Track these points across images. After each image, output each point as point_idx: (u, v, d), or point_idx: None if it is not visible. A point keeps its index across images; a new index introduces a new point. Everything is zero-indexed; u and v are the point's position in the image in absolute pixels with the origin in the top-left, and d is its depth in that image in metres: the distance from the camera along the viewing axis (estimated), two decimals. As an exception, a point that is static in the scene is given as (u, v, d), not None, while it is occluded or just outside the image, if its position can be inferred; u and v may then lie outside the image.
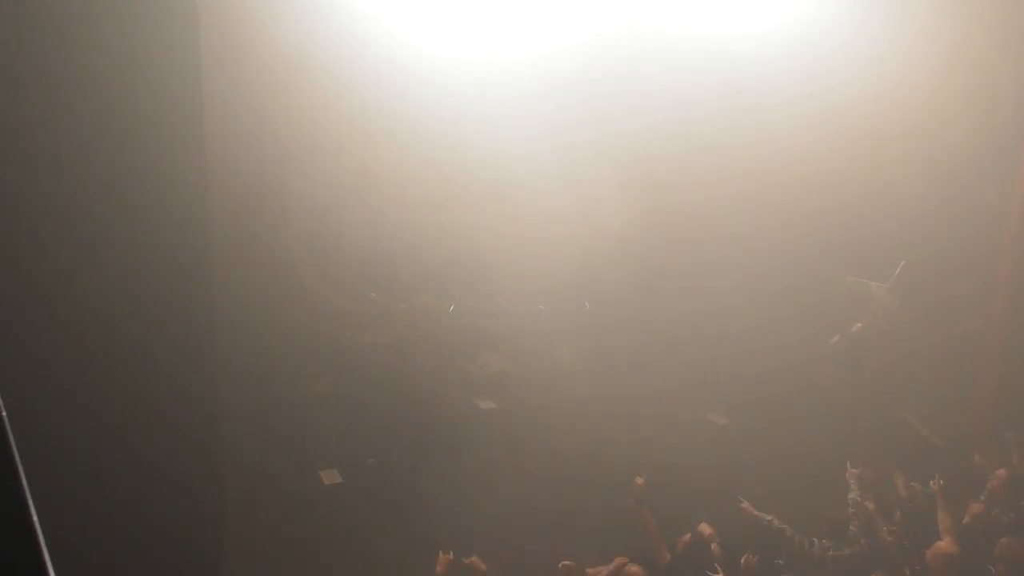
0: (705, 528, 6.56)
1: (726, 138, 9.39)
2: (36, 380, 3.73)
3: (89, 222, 3.95)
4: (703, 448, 8.72)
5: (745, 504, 6.88)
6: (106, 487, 4.01)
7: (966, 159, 8.97)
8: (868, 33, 9.07)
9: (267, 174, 8.40)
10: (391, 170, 9.22)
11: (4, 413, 1.40)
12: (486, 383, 9.73)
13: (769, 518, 6.74)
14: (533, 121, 9.33)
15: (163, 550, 4.27)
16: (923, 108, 8.86)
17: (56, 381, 3.89)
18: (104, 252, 4.01)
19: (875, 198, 9.56)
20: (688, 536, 6.58)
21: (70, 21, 3.80)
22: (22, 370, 3.63)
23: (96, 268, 3.99)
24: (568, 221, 9.64)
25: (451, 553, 6.33)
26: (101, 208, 3.96)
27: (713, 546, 6.50)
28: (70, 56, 3.81)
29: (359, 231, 9.43)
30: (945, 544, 6.23)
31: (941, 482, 6.93)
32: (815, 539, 6.58)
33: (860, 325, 9.59)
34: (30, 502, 1.31)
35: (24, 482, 1.33)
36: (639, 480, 6.99)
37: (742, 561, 6.31)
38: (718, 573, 6.12)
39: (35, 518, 1.30)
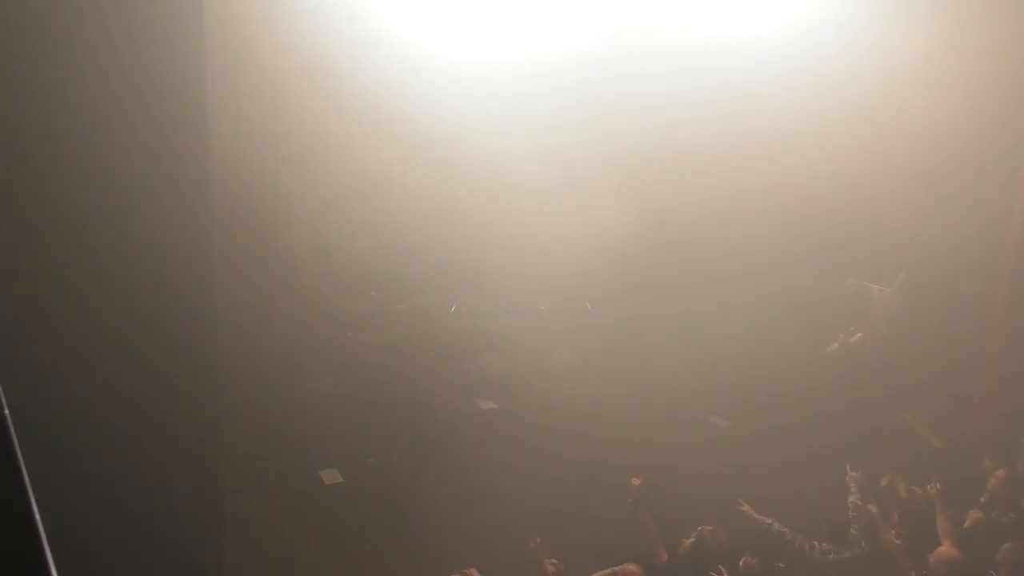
0: (708, 531, 6.55)
1: (728, 141, 9.39)
2: (38, 379, 3.73)
3: (92, 220, 3.95)
4: (704, 450, 8.72)
5: (746, 507, 6.88)
6: (107, 486, 4.01)
7: (968, 162, 8.97)
8: (870, 36, 9.07)
9: (269, 173, 8.40)
10: (393, 170, 9.21)
11: (7, 411, 1.40)
12: (486, 383, 9.74)
13: (769, 521, 6.74)
14: (536, 123, 9.34)
15: (164, 549, 4.27)
16: (924, 111, 8.86)
17: (58, 380, 3.89)
18: (106, 251, 4.01)
19: (877, 201, 9.56)
20: (690, 540, 6.56)
21: (75, 20, 3.80)
22: (24, 369, 3.63)
23: (98, 266, 3.99)
24: (569, 223, 9.63)
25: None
26: (104, 207, 3.96)
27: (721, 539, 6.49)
28: (76, 56, 3.81)
29: (361, 231, 9.43)
30: (947, 548, 6.22)
31: (938, 486, 6.92)
32: (816, 542, 6.57)
33: (861, 335, 9.59)
34: (32, 501, 1.31)
35: (26, 480, 1.32)
36: (635, 481, 6.99)
37: (741, 563, 6.31)
38: (721, 575, 6.13)
39: (37, 517, 1.30)
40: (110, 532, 4.01)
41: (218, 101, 4.86)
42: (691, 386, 9.43)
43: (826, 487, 7.60)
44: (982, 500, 7.30)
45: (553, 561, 6.27)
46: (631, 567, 6.18)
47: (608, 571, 6.31)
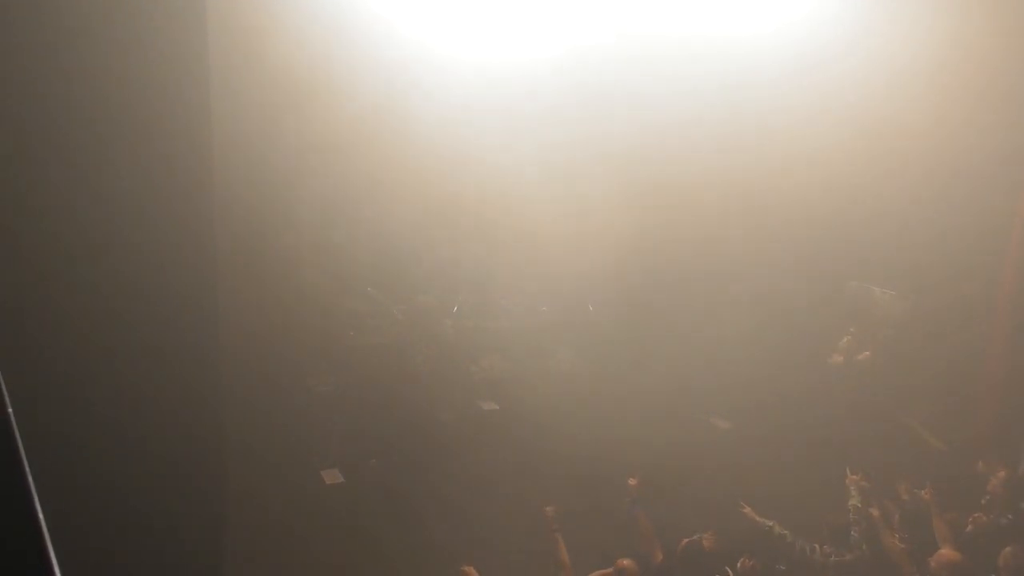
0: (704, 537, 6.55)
1: (730, 142, 9.40)
2: (41, 380, 3.73)
3: (95, 220, 3.95)
4: (705, 451, 8.72)
5: (747, 510, 6.88)
6: (109, 486, 4.01)
7: (972, 163, 8.95)
8: (871, 37, 9.06)
9: (272, 173, 8.41)
10: (396, 171, 9.23)
11: (10, 410, 1.40)
12: (488, 384, 9.74)
13: (770, 524, 6.74)
14: (539, 124, 9.35)
15: (165, 549, 4.27)
16: (926, 112, 8.85)
17: (61, 380, 3.90)
18: (110, 250, 4.01)
19: (879, 203, 9.55)
20: (686, 540, 6.57)
21: (82, 23, 3.81)
22: (27, 369, 3.64)
23: (101, 265, 3.99)
24: (572, 224, 9.64)
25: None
26: (108, 206, 3.97)
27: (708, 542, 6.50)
28: (83, 58, 3.82)
29: (363, 231, 9.45)
30: (948, 551, 6.21)
31: (931, 491, 6.89)
32: (816, 545, 6.57)
33: (869, 353, 9.57)
34: (36, 500, 1.31)
35: (30, 480, 1.33)
36: (632, 481, 7.00)
37: (739, 564, 6.30)
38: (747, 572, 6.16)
39: (40, 516, 1.30)
40: (112, 531, 4.02)
41: (221, 101, 4.87)
42: (692, 387, 9.43)
43: (827, 489, 7.59)
44: (983, 502, 7.29)
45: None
46: (627, 562, 6.22)
47: (608, 571, 6.33)
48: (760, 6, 9.37)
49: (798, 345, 9.81)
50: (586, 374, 9.81)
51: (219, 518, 4.69)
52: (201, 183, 4.30)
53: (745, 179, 9.60)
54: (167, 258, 4.20)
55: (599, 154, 9.69)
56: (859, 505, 6.88)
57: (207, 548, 4.60)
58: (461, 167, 9.43)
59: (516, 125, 9.32)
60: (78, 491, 3.71)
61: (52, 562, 1.25)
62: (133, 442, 4.10)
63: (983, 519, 6.94)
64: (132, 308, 4.11)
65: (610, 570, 6.30)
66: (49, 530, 1.29)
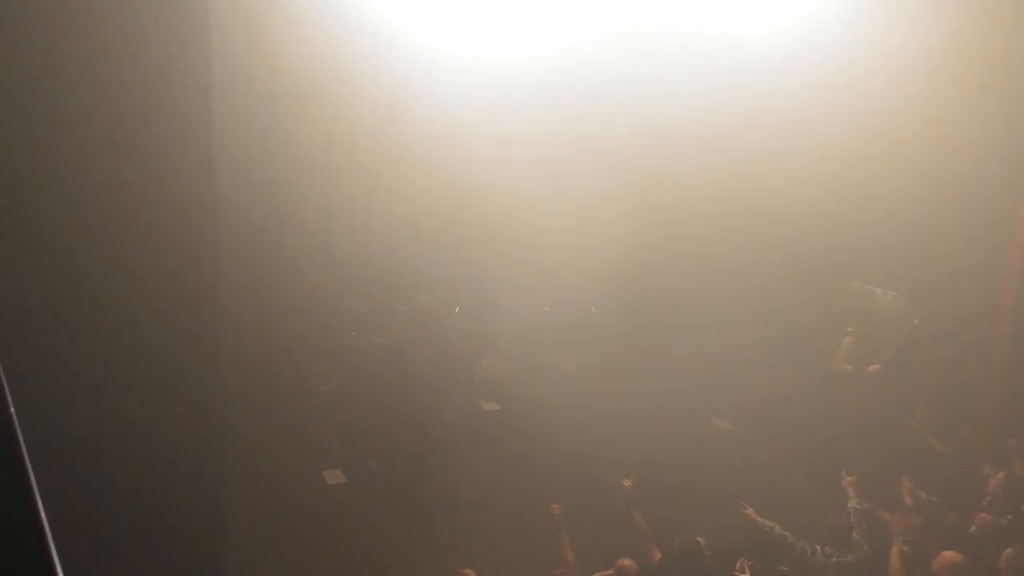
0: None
1: (733, 142, 9.38)
2: (44, 380, 3.74)
3: (97, 220, 3.96)
4: (706, 452, 8.72)
5: (749, 511, 6.87)
6: (112, 486, 4.02)
7: (974, 161, 8.93)
8: (873, 37, 9.05)
9: (276, 173, 8.41)
10: (399, 171, 9.23)
11: (12, 410, 1.40)
12: (490, 385, 9.73)
13: (771, 525, 6.73)
14: (542, 124, 9.34)
15: (167, 549, 4.27)
16: (931, 110, 8.84)
17: (63, 380, 3.90)
18: (113, 249, 4.02)
19: (880, 203, 9.54)
20: (678, 540, 6.57)
21: (84, 20, 3.81)
22: (29, 368, 3.64)
23: (104, 264, 4.00)
24: (574, 224, 9.63)
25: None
26: (109, 206, 3.97)
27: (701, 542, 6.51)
28: (88, 58, 3.83)
29: (365, 232, 9.45)
30: (950, 553, 6.20)
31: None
32: (818, 546, 6.57)
33: (879, 367, 9.54)
34: (38, 500, 1.31)
35: (32, 480, 1.33)
36: (627, 482, 7.01)
37: (737, 565, 6.31)
38: (744, 573, 6.15)
39: (43, 516, 1.30)
40: (114, 531, 4.02)
41: (224, 101, 4.87)
42: (693, 387, 9.42)
43: (828, 490, 7.59)
44: (984, 503, 7.29)
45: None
46: (628, 562, 6.24)
47: (608, 573, 6.35)
48: (759, 6, 9.36)
49: (799, 346, 9.80)
50: (588, 374, 9.80)
51: (221, 518, 4.70)
52: (203, 183, 4.30)
53: (746, 179, 9.59)
54: (169, 258, 4.20)
55: (601, 155, 9.69)
56: (858, 507, 6.88)
57: (209, 548, 4.60)
58: (464, 167, 9.43)
59: (518, 125, 9.32)
60: (80, 491, 3.72)
61: (54, 563, 1.25)
62: (135, 442, 4.11)
63: (986, 519, 6.93)
64: (134, 308, 4.11)
65: (611, 571, 6.32)
66: (51, 530, 1.29)
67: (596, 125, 9.54)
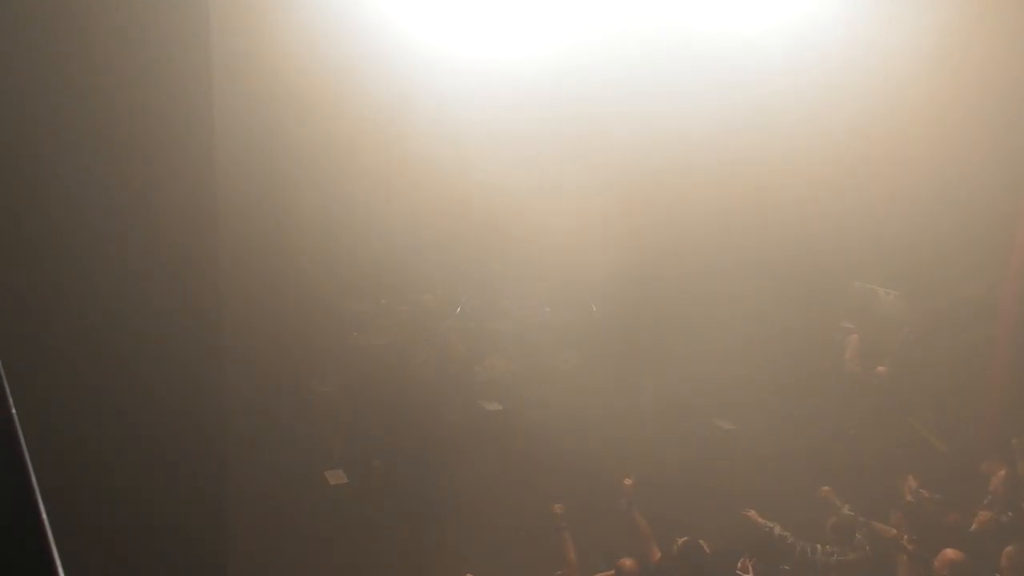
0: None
1: (734, 142, 9.38)
2: (43, 379, 3.73)
3: (98, 220, 3.96)
4: (708, 452, 8.71)
5: (751, 513, 6.87)
6: (112, 487, 4.02)
7: (975, 161, 8.93)
8: (874, 36, 9.05)
9: (277, 173, 8.41)
10: (400, 171, 9.24)
11: (13, 411, 1.40)
12: (491, 385, 9.74)
13: (771, 525, 6.73)
14: (543, 124, 9.35)
15: (168, 549, 4.27)
16: (931, 109, 8.84)
17: (64, 380, 3.90)
18: (113, 249, 4.01)
19: (882, 203, 9.54)
20: (683, 539, 6.57)
21: (85, 20, 3.81)
22: (29, 368, 3.64)
23: (105, 265, 4.00)
24: (575, 224, 9.63)
25: None
26: (110, 207, 3.97)
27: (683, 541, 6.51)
28: (89, 58, 3.83)
29: (367, 232, 9.45)
30: (951, 551, 6.20)
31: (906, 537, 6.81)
32: (818, 546, 6.57)
33: (884, 368, 9.53)
34: (39, 501, 1.31)
35: (33, 482, 1.33)
36: (627, 481, 7.01)
37: (739, 565, 6.30)
38: (748, 574, 6.15)
39: (44, 516, 1.30)
40: (115, 532, 4.02)
41: (225, 101, 4.87)
42: (695, 388, 9.41)
43: (830, 489, 7.59)
44: (985, 502, 7.29)
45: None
46: (628, 562, 6.24)
47: (608, 572, 6.36)
48: (758, 6, 9.36)
49: (801, 345, 9.80)
50: (589, 374, 9.80)
51: (223, 519, 4.69)
52: (204, 183, 4.30)
53: (747, 179, 9.59)
54: (170, 258, 4.20)
55: (602, 154, 9.69)
56: (851, 513, 6.86)
57: (211, 549, 4.59)
58: (465, 167, 9.43)
59: (519, 125, 9.32)
60: (81, 492, 3.72)
61: (55, 563, 1.25)
62: (136, 442, 4.10)
63: (986, 518, 6.93)
64: (136, 309, 4.11)
65: (611, 572, 6.32)
66: (52, 531, 1.28)
67: (597, 125, 9.55)
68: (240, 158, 7.10)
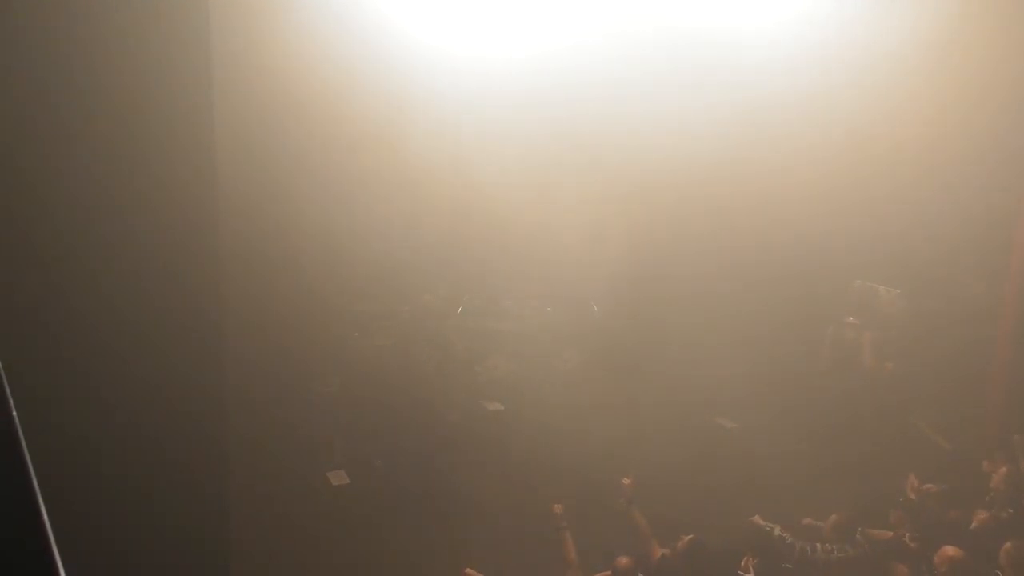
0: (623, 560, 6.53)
1: (734, 142, 9.38)
2: (44, 380, 3.73)
3: (98, 220, 3.95)
4: (711, 451, 8.71)
5: (756, 517, 6.87)
6: (114, 488, 4.01)
7: (975, 160, 8.93)
8: (874, 35, 9.05)
9: (277, 174, 8.42)
10: (401, 171, 9.24)
11: (14, 413, 1.40)
12: (493, 385, 9.74)
13: (771, 527, 6.74)
14: (544, 124, 9.35)
15: (170, 550, 4.27)
16: (930, 109, 8.84)
17: (65, 381, 3.89)
18: (114, 249, 4.01)
19: (883, 201, 9.54)
20: (689, 537, 6.57)
21: (85, 20, 3.81)
22: (30, 369, 3.64)
23: (106, 265, 3.99)
24: (576, 224, 9.63)
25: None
26: (110, 207, 3.97)
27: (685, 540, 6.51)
28: (84, 56, 3.83)
29: (368, 232, 9.45)
30: (950, 548, 6.20)
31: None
32: (818, 544, 6.58)
33: (890, 365, 9.52)
34: (40, 503, 1.30)
35: (35, 484, 1.32)
36: (627, 480, 7.01)
37: (742, 563, 6.31)
38: (749, 573, 6.15)
39: (45, 517, 1.30)
40: (116, 533, 4.02)
41: (225, 101, 4.87)
42: (698, 387, 9.41)
43: (832, 488, 7.59)
44: (987, 499, 7.29)
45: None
46: (624, 561, 6.25)
47: (607, 573, 6.37)
48: (758, 5, 9.36)
49: (803, 344, 9.79)
50: (591, 375, 9.80)
51: (225, 520, 4.69)
52: (205, 184, 4.29)
53: (751, 182, 9.59)
54: (171, 259, 4.19)
55: (603, 154, 9.69)
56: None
57: (212, 550, 4.59)
58: (466, 167, 9.44)
59: (520, 125, 9.32)
60: (83, 493, 3.71)
61: (57, 564, 1.25)
62: (138, 443, 4.10)
63: (986, 514, 6.93)
64: (137, 309, 4.11)
65: (609, 572, 6.33)
66: (53, 532, 1.28)
67: (598, 125, 9.55)
68: (240, 158, 7.11)
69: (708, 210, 9.78)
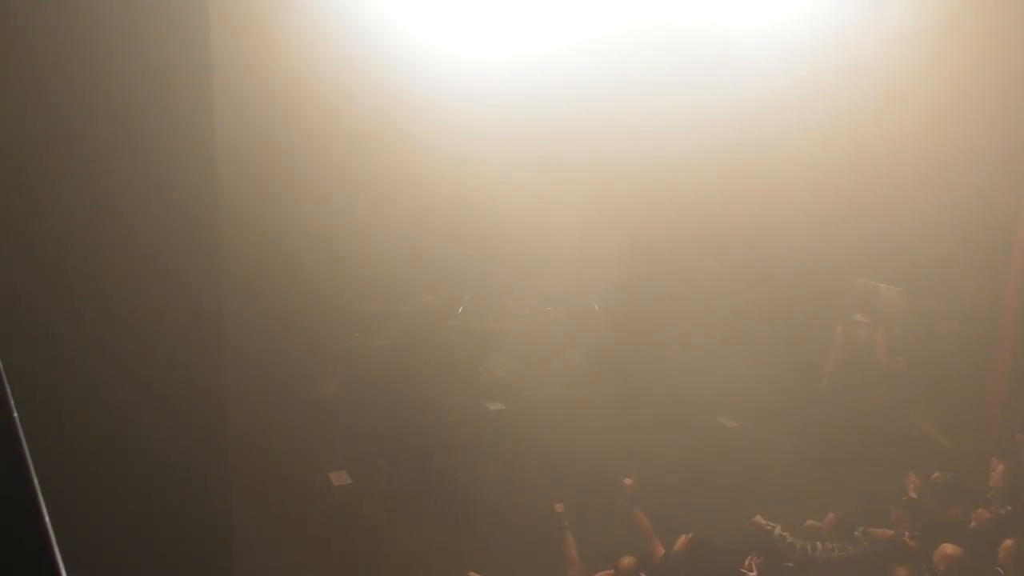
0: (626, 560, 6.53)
1: (735, 140, 9.38)
2: (45, 381, 3.73)
3: (99, 221, 3.95)
4: (712, 451, 8.70)
5: (757, 518, 6.87)
6: (115, 488, 4.01)
7: (976, 159, 8.93)
8: (874, 34, 9.04)
9: (278, 174, 8.42)
10: (402, 171, 9.23)
11: (15, 414, 1.39)
12: (494, 385, 9.74)
13: (772, 526, 6.74)
14: (544, 124, 9.34)
15: (171, 550, 4.26)
16: (932, 108, 8.83)
17: (65, 382, 3.89)
18: (115, 250, 4.01)
19: (885, 199, 9.53)
20: (684, 537, 6.57)
21: (85, 20, 3.81)
22: (31, 370, 3.63)
23: (106, 266, 3.99)
24: (577, 223, 9.63)
25: None
26: (111, 208, 3.96)
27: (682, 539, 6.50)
28: (84, 55, 3.83)
29: (369, 232, 9.44)
30: (949, 546, 6.20)
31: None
32: (818, 543, 6.59)
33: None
34: (42, 505, 1.30)
35: (36, 486, 1.32)
36: (628, 481, 7.01)
37: (746, 561, 6.31)
38: (752, 572, 6.15)
39: (46, 518, 1.29)
40: (118, 534, 4.01)
41: (225, 101, 4.87)
42: (699, 386, 9.40)
43: (833, 486, 7.59)
44: (988, 496, 7.30)
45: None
46: (627, 561, 6.25)
47: (609, 572, 6.36)
48: (759, 5, 9.36)
49: (805, 343, 9.79)
50: (592, 373, 9.80)
51: (226, 520, 4.69)
52: (206, 184, 4.29)
53: (753, 180, 9.58)
54: (172, 259, 4.19)
55: (604, 153, 9.68)
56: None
57: (214, 550, 4.59)
58: (467, 167, 9.44)
59: (520, 125, 9.32)
60: (84, 494, 3.71)
61: (58, 565, 1.25)
62: (138, 444, 4.10)
63: (985, 515, 6.93)
64: (137, 310, 4.10)
65: (611, 571, 6.33)
66: (55, 533, 1.28)
67: (598, 124, 9.54)
68: (241, 158, 7.11)
69: (708, 210, 9.78)
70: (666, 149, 9.33)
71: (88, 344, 3.99)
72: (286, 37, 8.07)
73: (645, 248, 9.87)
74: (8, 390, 1.42)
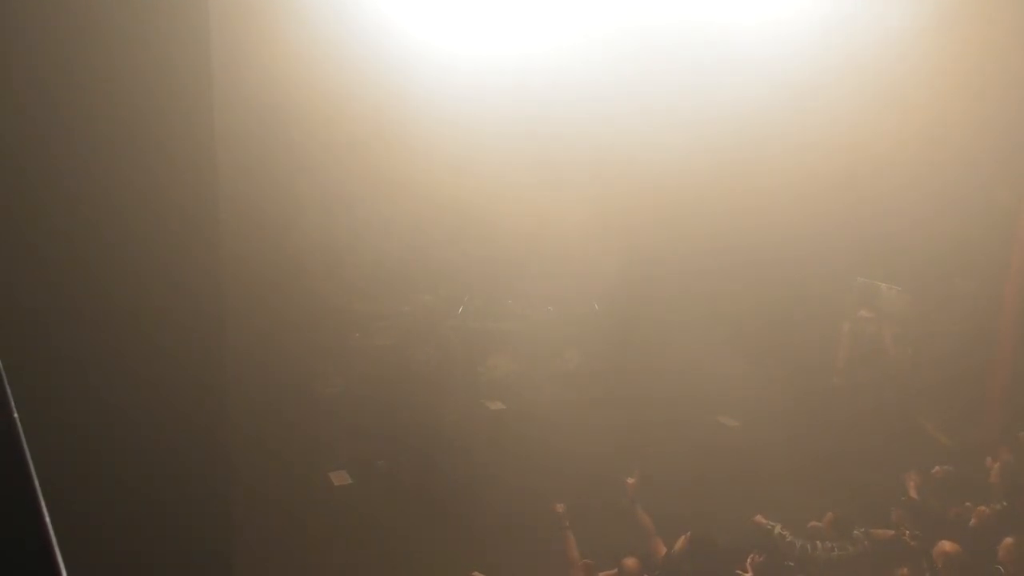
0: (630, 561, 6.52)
1: (737, 140, 9.38)
2: (46, 381, 3.73)
3: (100, 221, 3.95)
4: (713, 450, 8.70)
5: (758, 517, 6.87)
6: (116, 488, 4.01)
7: (976, 158, 8.93)
8: (874, 33, 9.04)
9: (278, 174, 8.42)
10: (402, 171, 9.23)
11: (16, 415, 1.39)
12: (495, 384, 9.74)
13: (772, 525, 6.73)
14: (544, 123, 9.34)
15: (172, 550, 4.26)
16: (932, 108, 8.83)
17: (66, 382, 3.89)
18: (115, 252, 4.01)
19: (886, 198, 9.53)
20: (683, 537, 6.56)
21: (86, 20, 3.81)
22: (31, 370, 3.63)
23: (107, 266, 3.99)
24: (577, 223, 9.62)
25: None
26: (112, 208, 3.96)
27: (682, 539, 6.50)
28: (85, 56, 3.83)
29: (369, 232, 9.45)
30: (947, 543, 6.20)
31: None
32: (817, 542, 6.58)
33: (875, 350, 9.49)
34: (43, 506, 1.30)
35: (36, 487, 1.32)
36: (630, 480, 7.01)
37: (748, 560, 6.31)
38: (747, 573, 6.14)
39: (47, 519, 1.29)
40: (119, 534, 4.01)
41: (225, 101, 4.87)
42: (699, 385, 9.40)
43: (834, 485, 7.59)
44: (989, 495, 7.31)
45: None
46: (630, 561, 6.24)
47: (611, 572, 6.35)
48: (759, 5, 9.36)
49: (806, 342, 9.79)
50: (592, 373, 9.79)
51: (227, 520, 4.69)
52: (206, 184, 4.29)
53: (753, 180, 9.59)
54: (173, 259, 4.19)
55: (604, 153, 9.69)
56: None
57: (215, 550, 4.59)
58: (467, 167, 9.43)
59: (521, 125, 9.32)
60: (85, 494, 3.71)
61: (59, 566, 1.24)
62: (139, 444, 4.10)
63: (985, 512, 6.93)
64: (138, 310, 4.10)
65: (614, 571, 6.32)
66: (56, 533, 1.28)
67: (599, 124, 9.54)
68: (241, 158, 7.11)
69: (708, 209, 9.78)
70: (666, 149, 9.33)
71: (88, 344, 3.99)
72: (286, 37, 8.07)
73: (645, 248, 9.87)
74: (8, 390, 1.42)
